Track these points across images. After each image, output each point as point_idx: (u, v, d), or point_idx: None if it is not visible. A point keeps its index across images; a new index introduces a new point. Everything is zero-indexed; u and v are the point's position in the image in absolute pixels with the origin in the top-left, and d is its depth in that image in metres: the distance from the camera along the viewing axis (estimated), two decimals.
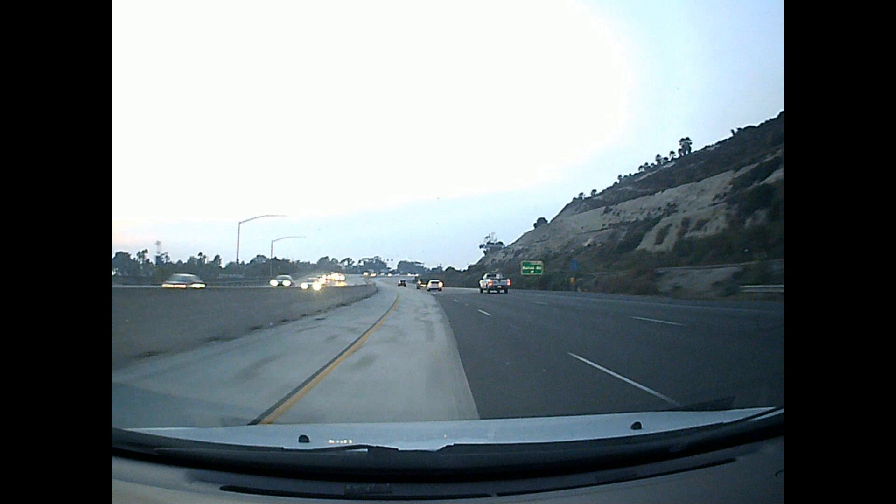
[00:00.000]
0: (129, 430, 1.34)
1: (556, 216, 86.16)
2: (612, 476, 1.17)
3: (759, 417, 1.35)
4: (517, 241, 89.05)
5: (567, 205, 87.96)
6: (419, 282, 65.67)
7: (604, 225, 63.08)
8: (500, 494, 1.11)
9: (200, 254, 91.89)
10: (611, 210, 67.00)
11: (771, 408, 1.36)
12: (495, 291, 33.36)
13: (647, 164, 79.50)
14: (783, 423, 1.10)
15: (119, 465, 1.16)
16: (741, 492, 1.16)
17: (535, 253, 70.31)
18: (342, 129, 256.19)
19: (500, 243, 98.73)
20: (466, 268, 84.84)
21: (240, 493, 1.14)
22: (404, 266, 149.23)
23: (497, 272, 41.21)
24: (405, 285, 67.44)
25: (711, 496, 1.13)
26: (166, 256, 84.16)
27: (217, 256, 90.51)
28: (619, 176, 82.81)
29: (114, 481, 1.06)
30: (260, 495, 1.13)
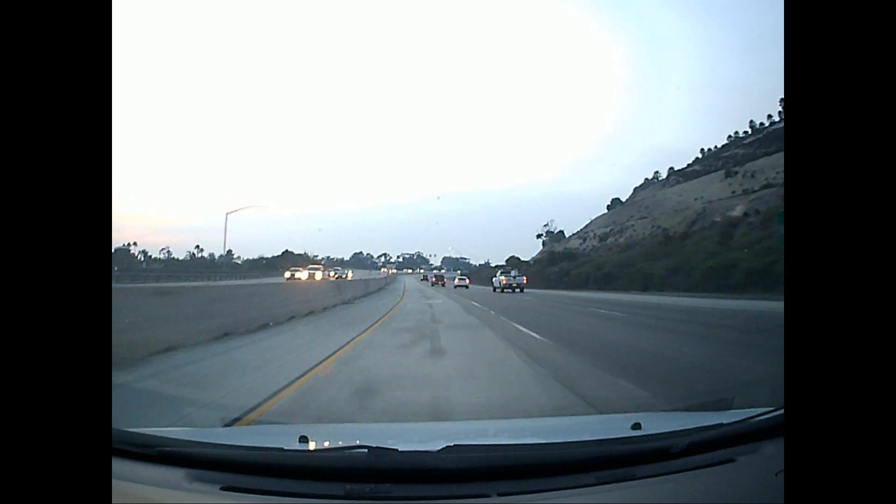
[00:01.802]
0: (129, 430, 1.34)
1: (631, 197, 77.91)
2: (612, 476, 1.17)
3: (759, 417, 1.35)
4: (591, 223, 78.55)
5: (637, 186, 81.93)
6: (433, 277, 59.44)
7: (734, 191, 49.96)
8: (500, 495, 1.11)
9: (198, 246, 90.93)
10: (736, 174, 55.18)
11: (771, 408, 1.36)
12: (510, 290, 29.93)
13: (736, 132, 73.92)
14: (783, 423, 1.10)
15: (119, 465, 1.16)
16: (741, 492, 1.16)
17: (635, 234, 57.48)
18: (379, 124, 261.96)
19: (562, 232, 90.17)
20: (529, 261, 70.91)
21: (240, 494, 1.14)
22: (448, 262, 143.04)
23: (512, 269, 36.70)
24: (426, 279, 61.18)
25: (711, 496, 1.13)
26: (168, 251, 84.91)
27: (230, 251, 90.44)
28: (702, 149, 78.01)
29: (114, 481, 1.06)
30: (260, 495, 1.14)
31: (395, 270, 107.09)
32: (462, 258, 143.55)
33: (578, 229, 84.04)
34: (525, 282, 32.04)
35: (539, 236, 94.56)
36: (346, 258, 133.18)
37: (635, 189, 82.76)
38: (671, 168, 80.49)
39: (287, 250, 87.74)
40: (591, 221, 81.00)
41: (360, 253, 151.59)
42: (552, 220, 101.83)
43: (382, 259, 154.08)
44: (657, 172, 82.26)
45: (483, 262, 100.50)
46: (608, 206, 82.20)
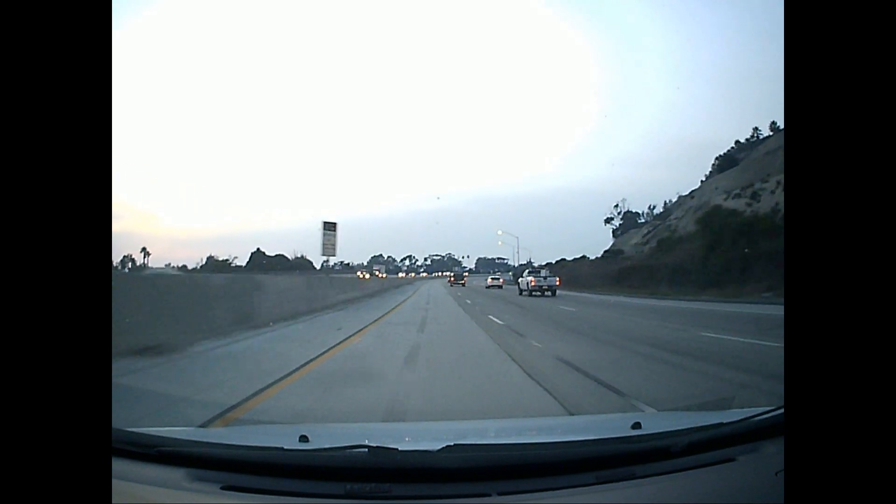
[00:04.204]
0: (130, 430, 1.34)
1: (736, 151, 56.36)
2: (612, 476, 1.17)
3: (759, 417, 1.35)
4: (698, 189, 55.96)
5: (733, 151, 59.33)
6: (452, 278, 54.03)
7: None
8: (500, 494, 1.11)
9: (143, 249, 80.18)
10: None
11: (771, 407, 1.36)
12: (539, 293, 24.90)
13: None
14: (783, 422, 1.10)
15: (119, 465, 1.16)
16: (741, 492, 1.16)
17: None
18: (400, 125, 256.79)
19: (638, 213, 69.11)
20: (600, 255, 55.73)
21: (240, 493, 1.14)
22: (484, 263, 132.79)
23: (541, 268, 31.00)
24: (452, 285, 48.32)
25: (711, 496, 1.13)
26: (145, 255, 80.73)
27: (210, 257, 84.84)
28: None
29: (114, 481, 1.06)
30: (260, 495, 1.14)
31: (387, 275, 79.19)
32: (499, 258, 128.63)
33: (686, 194, 58.64)
34: (558, 283, 26.81)
35: (608, 220, 70.01)
36: (364, 262, 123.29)
37: (736, 147, 58.19)
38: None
39: (259, 249, 72.13)
40: (701, 186, 57.20)
41: (380, 256, 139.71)
42: (623, 200, 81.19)
43: (407, 262, 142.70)
44: (757, 129, 59.28)
45: (524, 262, 71.01)
46: (718, 166, 57.34)
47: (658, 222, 57.77)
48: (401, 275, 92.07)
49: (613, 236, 67.68)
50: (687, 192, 60.56)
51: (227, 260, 57.93)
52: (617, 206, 69.87)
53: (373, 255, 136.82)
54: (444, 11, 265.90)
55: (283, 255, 69.87)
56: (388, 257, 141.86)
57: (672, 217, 55.29)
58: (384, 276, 63.28)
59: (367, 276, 47.19)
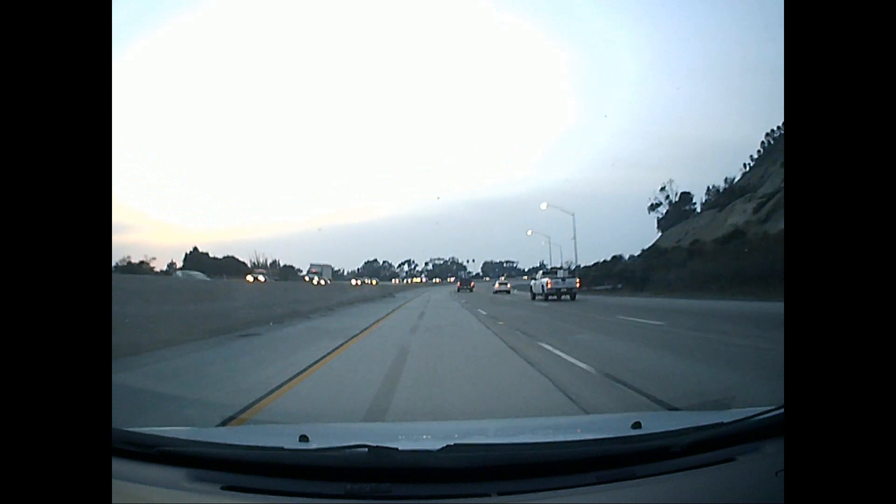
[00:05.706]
0: (129, 430, 1.35)
1: None
2: (612, 475, 1.17)
3: (759, 417, 1.35)
4: (774, 151, 47.87)
5: None
6: (458, 283, 49.09)
7: None
8: (500, 494, 1.11)
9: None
10: None
11: (771, 407, 1.36)
12: (554, 297, 21.86)
13: None
14: (783, 422, 1.10)
15: (119, 465, 1.16)
16: (741, 492, 1.16)
17: None
18: (394, 126, 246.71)
19: (690, 194, 54.87)
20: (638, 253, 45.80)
21: (240, 493, 1.14)
22: (490, 267, 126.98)
23: (558, 269, 26.89)
24: (459, 291, 43.04)
25: (711, 496, 1.13)
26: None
27: (173, 264, 63.06)
28: None
29: (114, 481, 1.06)
30: (260, 495, 1.14)
31: (332, 280, 53.94)
32: (508, 262, 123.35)
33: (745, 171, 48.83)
34: (577, 285, 23.37)
35: (654, 207, 55.70)
36: (358, 268, 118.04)
37: None
38: None
39: (196, 248, 54.27)
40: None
41: (375, 261, 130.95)
42: (671, 181, 63.34)
43: (406, 267, 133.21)
44: None
45: (535, 266, 62.30)
46: None
47: (763, 193, 41.74)
48: (355, 281, 52.40)
49: (659, 227, 53.43)
50: (752, 165, 51.57)
51: (143, 262, 38.89)
52: (664, 188, 54.81)
53: (367, 261, 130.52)
54: (448, 11, 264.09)
55: (232, 257, 52.33)
56: (385, 262, 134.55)
57: (766, 188, 41.72)
58: (327, 281, 42.35)
59: (262, 279, 30.80)
